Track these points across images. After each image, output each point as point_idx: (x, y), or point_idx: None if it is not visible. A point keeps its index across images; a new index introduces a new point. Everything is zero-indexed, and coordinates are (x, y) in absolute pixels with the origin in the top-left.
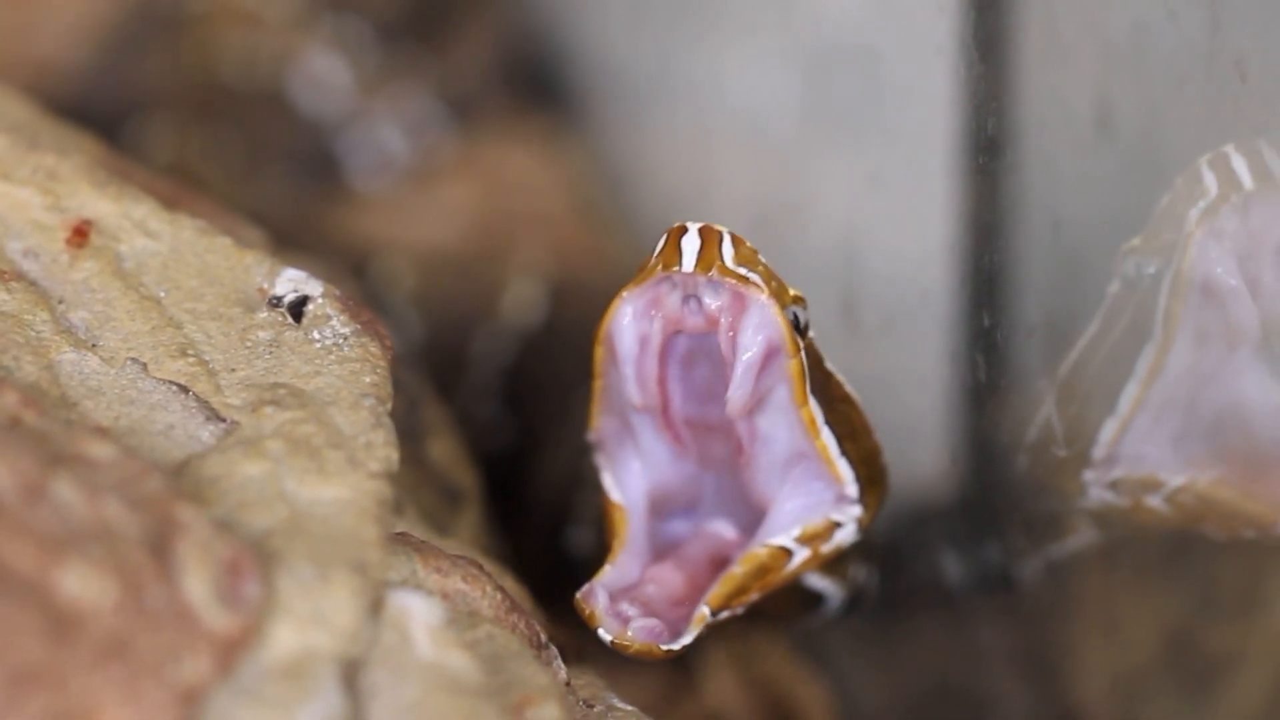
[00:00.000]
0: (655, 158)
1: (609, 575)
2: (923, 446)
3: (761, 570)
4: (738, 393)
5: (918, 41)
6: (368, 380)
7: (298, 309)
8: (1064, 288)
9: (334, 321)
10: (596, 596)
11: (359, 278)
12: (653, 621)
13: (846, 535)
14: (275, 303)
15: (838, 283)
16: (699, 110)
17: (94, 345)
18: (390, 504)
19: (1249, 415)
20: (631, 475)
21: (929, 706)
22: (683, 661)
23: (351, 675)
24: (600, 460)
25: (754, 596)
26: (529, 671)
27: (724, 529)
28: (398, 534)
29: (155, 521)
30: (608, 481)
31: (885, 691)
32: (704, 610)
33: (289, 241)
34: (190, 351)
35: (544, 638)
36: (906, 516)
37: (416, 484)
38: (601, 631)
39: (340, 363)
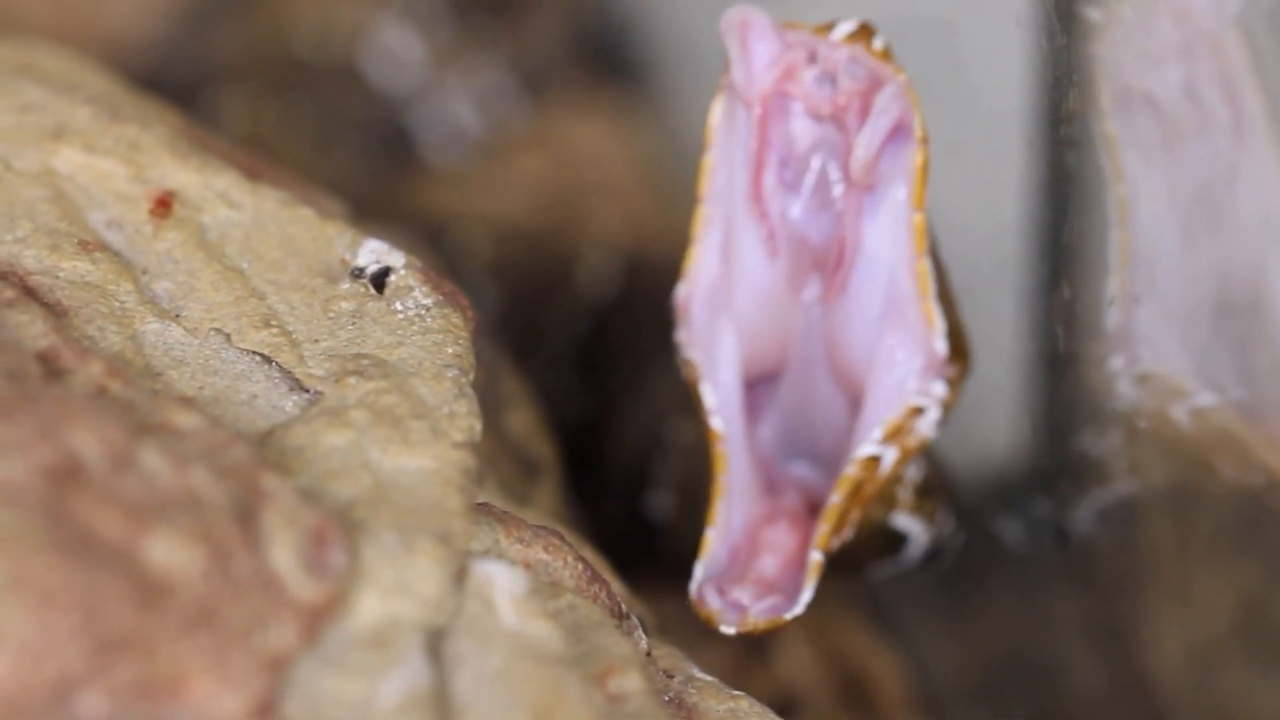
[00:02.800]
0: None
1: (714, 546)
2: (999, 416)
3: (857, 488)
4: (863, 148)
5: (996, 13)
6: (450, 351)
7: (380, 280)
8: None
9: (416, 292)
10: (707, 597)
11: (435, 249)
12: (770, 600)
13: (930, 423)
14: (358, 274)
15: None
16: None
17: (178, 315)
18: (474, 474)
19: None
20: (724, 349)
21: (1003, 676)
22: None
23: (436, 644)
24: (688, 343)
25: (856, 515)
26: (611, 641)
27: (809, 471)
28: (480, 504)
29: (241, 490)
30: (703, 386)
31: (959, 662)
32: (817, 557)
33: (364, 214)
34: (274, 322)
35: (625, 608)
36: (983, 484)
37: (496, 455)
38: (724, 628)
39: (423, 333)
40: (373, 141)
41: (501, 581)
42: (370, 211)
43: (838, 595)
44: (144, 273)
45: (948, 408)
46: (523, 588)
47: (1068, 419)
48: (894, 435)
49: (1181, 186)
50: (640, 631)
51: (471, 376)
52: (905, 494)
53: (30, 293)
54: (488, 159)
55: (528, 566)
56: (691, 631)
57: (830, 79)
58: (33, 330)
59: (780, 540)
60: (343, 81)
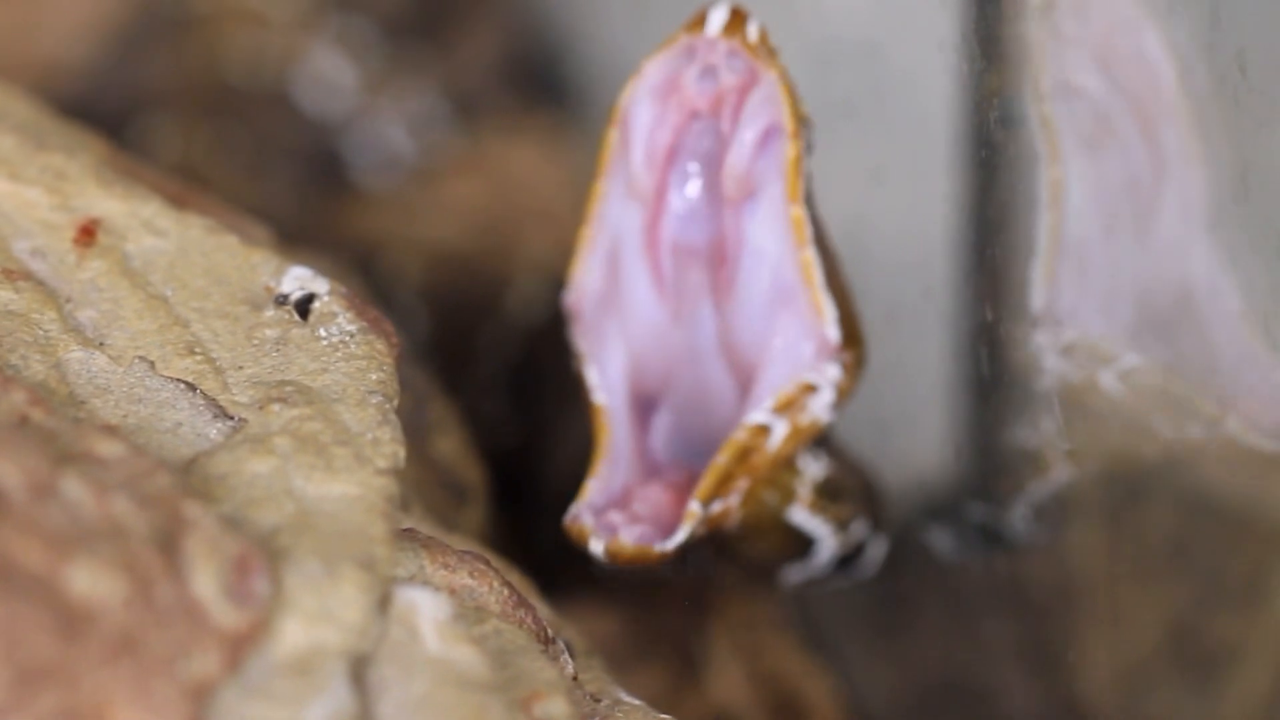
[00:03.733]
0: None
1: (592, 491)
2: (925, 436)
3: (744, 453)
4: (736, 159)
5: (920, 36)
6: (374, 377)
7: (304, 306)
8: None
9: (340, 319)
10: (583, 515)
11: (366, 274)
12: (642, 529)
13: (824, 405)
14: (282, 300)
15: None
16: None
17: (101, 344)
18: (397, 500)
19: (1191, 294)
20: (611, 348)
21: (936, 698)
22: (688, 655)
23: (360, 671)
24: (578, 335)
25: (742, 484)
26: (536, 666)
27: (698, 459)
28: (405, 530)
29: (164, 519)
30: (588, 369)
31: (892, 683)
32: (694, 506)
33: (295, 239)
34: (198, 349)
35: (551, 632)
36: (914, 498)
37: (423, 480)
38: (593, 543)
39: (347, 360)
40: (305, 167)
41: (425, 607)
42: (303, 237)
43: (770, 618)
44: (68, 301)
45: (843, 393)
46: (447, 613)
47: (998, 416)
48: (785, 408)
49: (1111, 176)
50: (567, 655)
51: (395, 402)
52: (804, 489)
53: None
54: (420, 184)
55: (452, 592)
56: (623, 654)
57: (711, 73)
58: None
59: (657, 496)
60: (274, 107)
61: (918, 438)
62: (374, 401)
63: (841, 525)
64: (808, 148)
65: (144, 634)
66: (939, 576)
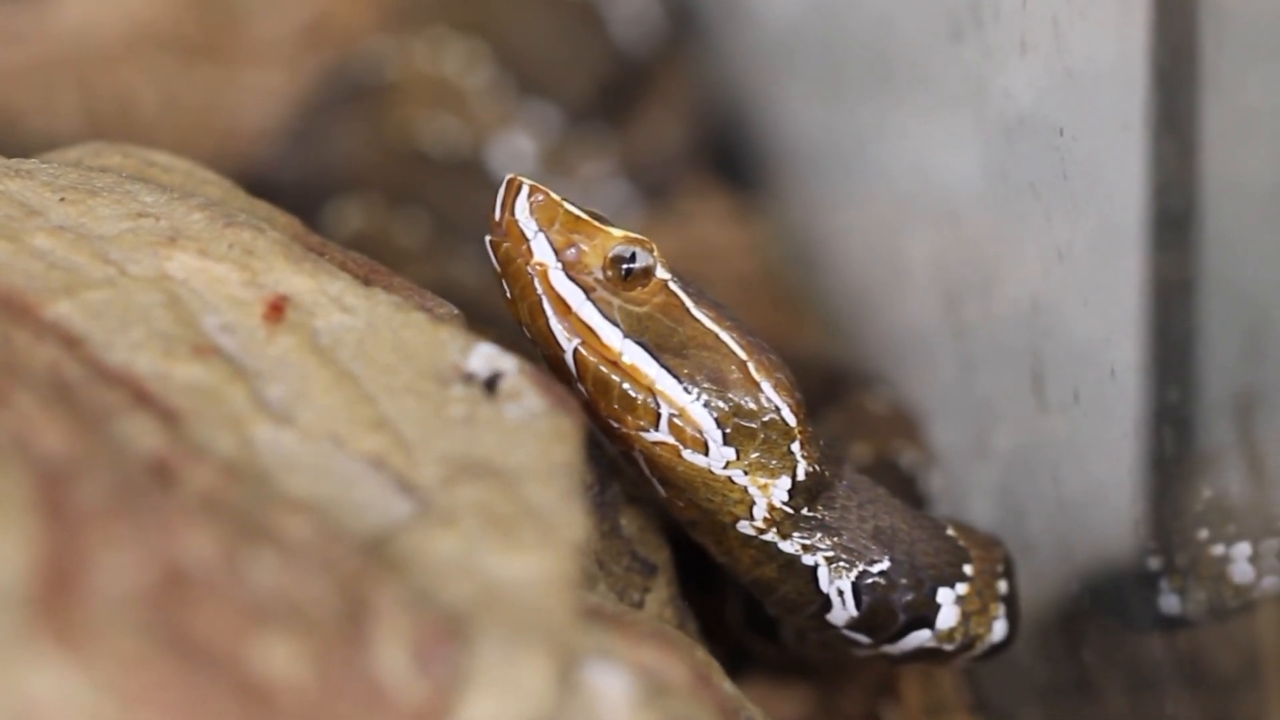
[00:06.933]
0: (845, 235)
1: None
2: (1111, 518)
3: None
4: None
5: (1105, 117)
6: (560, 455)
7: (492, 385)
8: (1252, 363)
9: (527, 397)
10: None
11: None
12: None
13: None
14: (470, 378)
15: (1026, 356)
16: (888, 186)
17: (290, 420)
18: (583, 577)
19: None
20: None
21: None
22: None
23: None
24: None
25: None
26: None
27: None
28: (591, 607)
29: (350, 595)
30: None
31: None
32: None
33: (483, 316)
34: (385, 426)
35: (737, 709)
36: (1090, 582)
37: (609, 557)
38: None
39: (534, 438)
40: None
41: (611, 684)
42: (484, 314)
43: (953, 700)
44: (256, 377)
45: None
46: (632, 690)
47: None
48: None
49: None
50: None
51: (582, 480)
52: (761, 507)
53: (144, 398)
54: None
55: (638, 669)
56: None
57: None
58: (145, 436)
59: None
60: (465, 180)
61: (1100, 518)
62: (560, 479)
63: (876, 587)
64: (643, 271)
65: (329, 711)
66: (1121, 655)
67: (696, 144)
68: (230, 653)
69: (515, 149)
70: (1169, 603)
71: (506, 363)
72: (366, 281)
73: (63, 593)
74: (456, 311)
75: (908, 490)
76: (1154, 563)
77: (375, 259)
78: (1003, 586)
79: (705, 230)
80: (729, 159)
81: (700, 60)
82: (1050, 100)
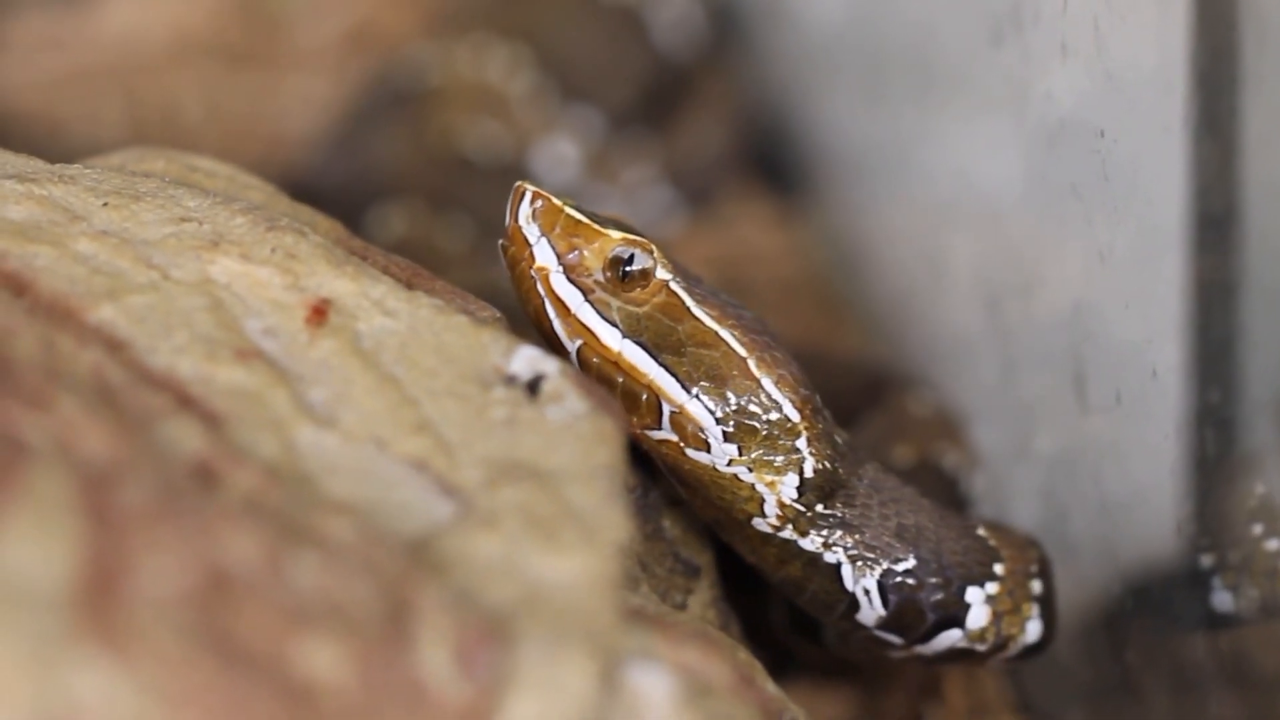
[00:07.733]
0: (887, 239)
1: None
2: (1154, 519)
3: None
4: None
5: (1146, 120)
6: (603, 457)
7: (533, 387)
8: None
9: (569, 399)
10: None
11: None
12: None
13: None
14: (511, 380)
15: (1068, 358)
16: (930, 190)
17: (332, 423)
18: (625, 579)
19: None
20: None
21: None
22: None
23: None
24: None
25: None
26: None
27: None
28: (633, 608)
29: (393, 596)
30: None
31: None
32: None
33: (525, 319)
34: (427, 429)
35: (779, 710)
36: (1133, 583)
37: (652, 559)
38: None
39: (576, 440)
40: None
41: (653, 684)
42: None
43: (998, 701)
44: (299, 380)
45: None
46: (675, 690)
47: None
48: None
49: None
50: None
51: (624, 482)
52: (771, 505)
53: (187, 401)
54: None
55: (680, 669)
56: None
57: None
58: (188, 439)
59: None
60: (506, 185)
61: (1143, 519)
62: (602, 481)
63: (896, 583)
64: (642, 273)
65: (372, 712)
66: (1165, 655)
67: (739, 149)
68: (273, 654)
69: (558, 154)
70: (1221, 600)
71: (549, 365)
72: (409, 285)
73: (106, 595)
74: (499, 315)
75: (950, 492)
76: (1206, 560)
77: (418, 264)
78: (1036, 587)
79: (747, 234)
80: (771, 164)
81: (742, 65)
82: (1091, 103)
